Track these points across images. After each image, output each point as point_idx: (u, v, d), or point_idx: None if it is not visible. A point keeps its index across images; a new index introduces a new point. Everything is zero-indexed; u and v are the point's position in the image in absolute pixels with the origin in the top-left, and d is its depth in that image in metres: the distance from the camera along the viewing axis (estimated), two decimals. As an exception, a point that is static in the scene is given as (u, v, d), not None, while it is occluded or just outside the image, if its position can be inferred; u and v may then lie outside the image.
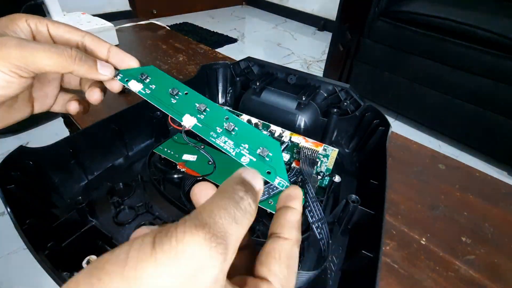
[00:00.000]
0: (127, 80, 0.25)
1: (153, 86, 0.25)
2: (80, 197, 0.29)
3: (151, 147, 0.37)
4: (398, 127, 1.32)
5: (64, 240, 0.27)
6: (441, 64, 1.08)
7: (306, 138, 0.34)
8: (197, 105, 0.24)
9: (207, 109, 0.24)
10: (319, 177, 0.34)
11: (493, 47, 0.95)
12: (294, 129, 0.39)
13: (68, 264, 0.24)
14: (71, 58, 0.20)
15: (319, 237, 0.26)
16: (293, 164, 0.33)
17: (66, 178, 0.33)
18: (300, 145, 0.34)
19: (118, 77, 0.25)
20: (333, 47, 1.38)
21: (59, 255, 0.25)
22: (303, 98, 0.37)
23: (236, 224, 0.12)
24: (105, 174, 0.36)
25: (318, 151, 0.33)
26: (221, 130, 0.23)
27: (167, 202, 0.32)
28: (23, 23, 0.22)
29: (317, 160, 0.33)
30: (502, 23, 0.97)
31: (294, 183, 0.32)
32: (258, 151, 0.22)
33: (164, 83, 0.26)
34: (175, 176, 0.34)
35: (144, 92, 0.25)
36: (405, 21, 1.12)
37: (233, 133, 0.23)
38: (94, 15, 0.74)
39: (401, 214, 0.35)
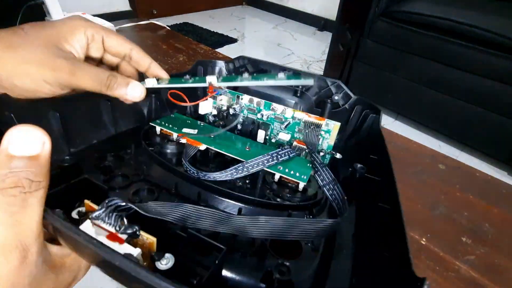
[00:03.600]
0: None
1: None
2: (67, 157, 0.27)
3: (140, 128, 0.34)
4: (398, 127, 1.32)
5: None
6: (441, 64, 1.08)
7: (308, 113, 0.34)
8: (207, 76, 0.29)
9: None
10: (321, 154, 0.34)
11: (493, 47, 0.95)
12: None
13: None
14: (106, 86, 0.24)
15: (331, 198, 0.26)
16: (294, 143, 0.34)
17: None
18: (303, 119, 0.34)
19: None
20: (333, 47, 1.38)
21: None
22: (299, 87, 0.39)
23: (22, 225, 0.14)
24: (92, 149, 0.32)
25: (321, 125, 0.33)
26: (239, 79, 0.28)
27: (166, 171, 0.29)
28: (81, 35, 0.25)
29: (319, 137, 0.34)
30: (502, 23, 0.97)
31: (299, 154, 0.32)
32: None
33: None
34: (175, 146, 0.32)
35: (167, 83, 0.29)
36: (405, 21, 1.12)
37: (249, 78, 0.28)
38: (94, 15, 0.74)
39: (401, 214, 0.35)
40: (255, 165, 0.27)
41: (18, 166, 0.14)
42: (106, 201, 0.18)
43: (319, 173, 0.27)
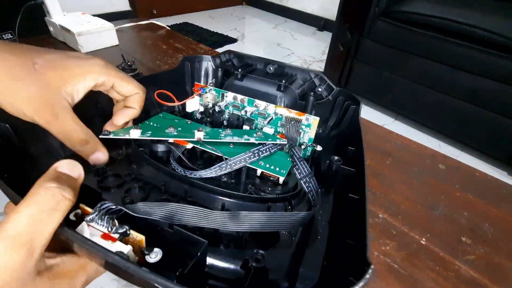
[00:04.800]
0: (121, 134, 0.28)
1: (149, 133, 0.29)
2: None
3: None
4: (398, 127, 1.32)
5: None
6: (441, 64, 1.08)
7: (290, 109, 0.36)
8: (195, 131, 0.30)
9: (205, 130, 0.30)
10: (303, 147, 0.36)
11: (493, 47, 0.95)
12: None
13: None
14: (72, 146, 0.24)
15: (307, 190, 0.28)
16: (277, 137, 0.35)
17: (43, 149, 0.30)
18: (284, 115, 0.36)
19: (111, 136, 0.28)
20: (333, 47, 1.38)
21: None
22: (283, 81, 0.40)
23: (42, 226, 0.16)
24: None
25: (302, 120, 0.35)
26: (223, 134, 0.30)
27: (155, 170, 0.30)
28: (91, 81, 0.25)
29: (300, 131, 0.35)
30: (502, 23, 0.97)
31: (280, 150, 0.34)
32: (257, 134, 0.31)
33: (158, 126, 0.31)
34: (164, 145, 0.32)
35: (147, 135, 0.29)
36: (405, 21, 1.12)
37: (232, 135, 0.30)
38: (94, 15, 0.74)
39: (401, 214, 0.35)
40: (238, 162, 0.29)
41: (62, 178, 0.18)
42: (99, 205, 0.20)
43: (297, 167, 0.30)
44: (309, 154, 0.36)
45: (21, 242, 0.15)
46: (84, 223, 0.19)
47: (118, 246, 0.19)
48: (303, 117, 0.35)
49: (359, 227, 0.22)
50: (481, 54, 0.98)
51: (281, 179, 0.29)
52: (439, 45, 1.06)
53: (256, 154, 0.29)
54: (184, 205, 0.22)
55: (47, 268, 0.17)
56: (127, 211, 0.21)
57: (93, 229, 0.19)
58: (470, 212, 0.35)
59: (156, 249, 0.20)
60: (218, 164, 0.28)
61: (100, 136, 0.27)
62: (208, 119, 0.40)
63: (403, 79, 1.20)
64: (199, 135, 0.30)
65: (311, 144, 0.36)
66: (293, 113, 0.35)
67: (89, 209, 0.20)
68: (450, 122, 1.13)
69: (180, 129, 0.32)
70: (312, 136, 0.36)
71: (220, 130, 0.32)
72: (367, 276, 0.17)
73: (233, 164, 0.28)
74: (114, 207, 0.20)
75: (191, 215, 0.22)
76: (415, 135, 1.27)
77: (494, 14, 1.03)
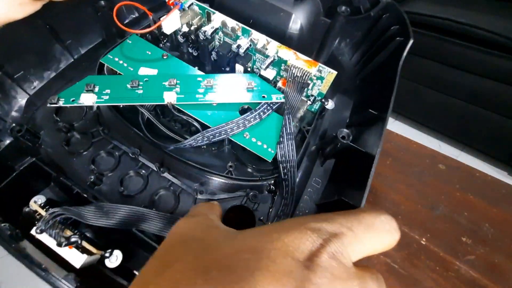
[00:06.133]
0: (73, 100, 0.23)
1: (108, 91, 0.24)
2: (14, 124, 0.24)
3: (102, 49, 0.28)
4: (398, 127, 1.32)
5: None
6: (441, 64, 1.08)
7: (298, 53, 0.26)
8: (166, 83, 0.24)
9: (177, 81, 0.25)
10: (309, 102, 0.29)
11: (493, 47, 0.95)
12: (285, 34, 0.30)
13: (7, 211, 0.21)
14: None
15: (283, 177, 0.24)
16: (279, 84, 0.28)
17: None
18: (288, 62, 0.27)
19: (61, 103, 0.23)
20: (333, 47, 1.38)
21: None
22: None
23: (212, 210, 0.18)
24: (49, 87, 0.27)
25: (311, 73, 0.26)
26: (203, 89, 0.25)
27: (126, 127, 0.26)
28: None
29: (309, 82, 0.27)
30: (502, 23, 0.97)
31: (277, 110, 0.27)
32: (248, 86, 0.25)
33: (117, 82, 0.25)
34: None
35: (103, 100, 0.23)
36: (405, 21, 1.12)
37: (215, 86, 0.25)
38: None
39: (401, 214, 0.35)
40: (217, 134, 0.24)
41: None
42: (47, 215, 0.19)
43: (281, 146, 0.23)
44: (316, 108, 0.29)
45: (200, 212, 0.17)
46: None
47: (73, 254, 0.19)
48: (314, 69, 0.26)
49: None
50: (481, 54, 0.98)
51: (269, 157, 0.25)
52: (439, 45, 1.06)
53: (241, 125, 0.24)
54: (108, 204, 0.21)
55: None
56: (77, 218, 0.19)
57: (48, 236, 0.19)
58: (470, 212, 0.35)
59: (116, 252, 0.20)
60: (193, 137, 0.24)
61: (48, 105, 0.23)
62: (194, 45, 0.31)
63: (403, 79, 1.20)
64: (169, 97, 0.24)
65: (321, 100, 0.28)
66: (301, 61, 0.26)
67: (42, 212, 0.20)
68: (450, 122, 1.13)
69: (146, 80, 0.25)
70: (324, 91, 0.28)
71: (201, 80, 0.25)
72: None
73: (211, 137, 0.24)
74: (63, 214, 0.19)
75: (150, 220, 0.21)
76: (415, 135, 1.27)
77: (494, 14, 1.03)
